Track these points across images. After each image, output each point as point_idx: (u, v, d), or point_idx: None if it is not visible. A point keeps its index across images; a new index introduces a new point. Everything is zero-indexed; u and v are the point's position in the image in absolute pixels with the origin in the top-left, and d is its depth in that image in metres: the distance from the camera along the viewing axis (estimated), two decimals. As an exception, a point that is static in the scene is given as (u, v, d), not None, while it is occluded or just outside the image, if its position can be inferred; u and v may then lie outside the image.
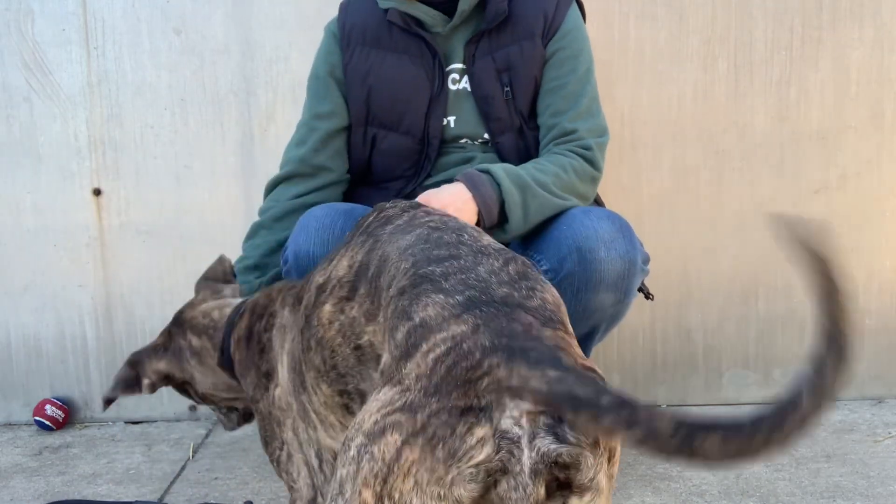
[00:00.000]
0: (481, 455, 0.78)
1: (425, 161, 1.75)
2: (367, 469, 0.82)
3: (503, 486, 0.79)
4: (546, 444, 0.78)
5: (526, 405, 0.78)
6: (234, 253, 2.33)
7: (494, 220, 1.57)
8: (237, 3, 2.25)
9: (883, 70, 2.27)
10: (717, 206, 2.31)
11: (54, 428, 2.32)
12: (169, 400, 2.39)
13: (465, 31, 1.73)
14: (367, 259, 1.06)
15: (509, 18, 1.71)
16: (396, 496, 0.80)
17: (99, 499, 1.87)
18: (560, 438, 0.79)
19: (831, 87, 2.27)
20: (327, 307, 1.11)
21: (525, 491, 0.79)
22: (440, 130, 1.74)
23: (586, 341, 1.73)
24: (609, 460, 0.84)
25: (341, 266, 1.11)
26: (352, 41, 1.76)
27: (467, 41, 1.71)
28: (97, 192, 2.32)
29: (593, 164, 1.71)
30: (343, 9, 1.82)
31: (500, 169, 1.58)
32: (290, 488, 1.32)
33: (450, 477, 0.78)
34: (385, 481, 0.80)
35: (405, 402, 0.82)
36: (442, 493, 0.79)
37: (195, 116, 2.29)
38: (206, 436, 2.26)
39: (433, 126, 1.73)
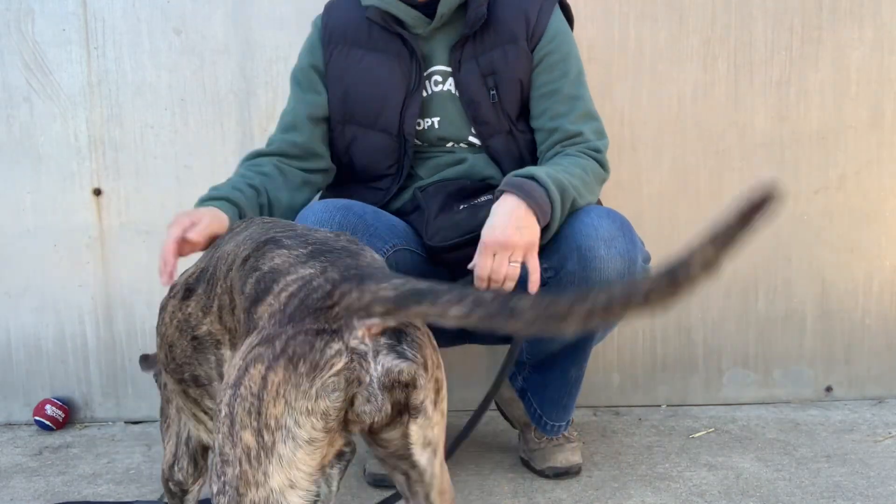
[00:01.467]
0: (339, 363, 0.86)
1: (405, 158, 1.77)
2: (240, 412, 0.87)
3: (359, 399, 0.88)
4: (389, 360, 0.89)
5: (373, 322, 0.87)
6: (234, 253, 2.34)
7: (545, 225, 1.56)
8: (237, 3, 2.25)
9: (883, 70, 2.27)
10: (717, 206, 2.31)
11: (54, 428, 2.32)
12: (169, 400, 2.39)
13: (447, 34, 1.74)
14: (207, 265, 1.19)
15: (491, 23, 1.72)
16: (272, 423, 0.85)
17: (99, 499, 1.87)
18: (400, 355, 0.89)
19: (831, 87, 2.28)
20: (169, 308, 1.26)
21: (377, 402, 0.89)
22: (414, 128, 1.75)
23: (586, 341, 1.73)
24: (437, 391, 0.95)
25: (186, 273, 1.25)
26: (333, 39, 1.79)
27: (452, 46, 1.73)
28: (97, 192, 2.32)
29: (604, 167, 1.73)
30: (327, 8, 1.85)
31: (545, 174, 1.56)
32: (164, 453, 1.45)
33: (314, 389, 0.85)
34: (259, 413, 0.86)
35: (262, 337, 0.89)
36: (310, 407, 0.85)
37: (195, 116, 2.29)
38: (206, 436, 2.26)
39: (408, 123, 1.74)
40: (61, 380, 2.39)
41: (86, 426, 2.37)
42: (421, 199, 1.75)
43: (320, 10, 1.87)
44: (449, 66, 1.75)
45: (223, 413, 0.89)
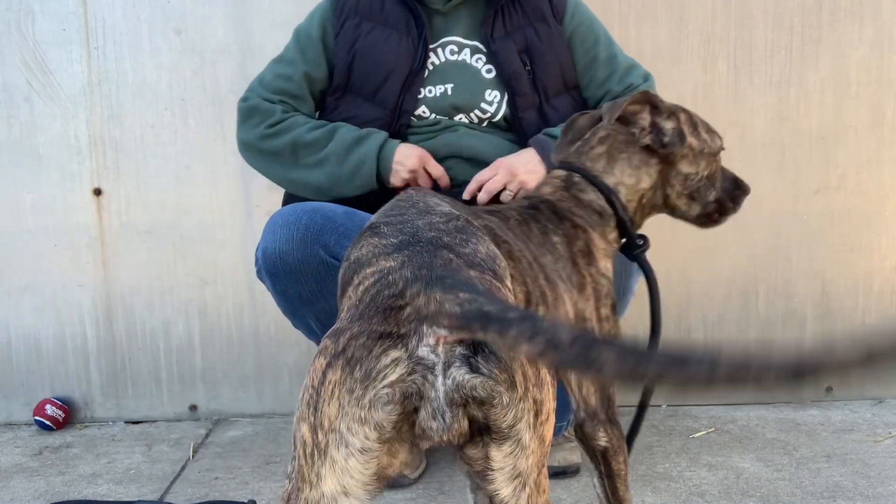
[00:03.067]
0: (394, 375, 0.79)
1: (398, 130, 1.79)
2: (303, 402, 0.84)
3: (421, 413, 0.80)
4: (461, 373, 0.80)
5: (442, 332, 0.80)
6: (232, 253, 2.34)
7: None
8: (237, 3, 2.25)
9: (883, 70, 2.27)
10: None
11: (54, 428, 2.32)
12: (169, 400, 2.39)
13: (470, 10, 1.80)
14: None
15: (517, 2, 1.80)
16: (326, 424, 0.81)
17: (99, 499, 1.87)
18: (473, 369, 0.80)
19: (831, 87, 2.28)
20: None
21: (444, 420, 0.81)
22: (415, 105, 1.78)
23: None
24: (536, 414, 0.85)
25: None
26: (346, 11, 1.81)
27: (480, 23, 1.79)
28: (97, 192, 2.32)
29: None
30: None
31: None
32: None
33: (367, 398, 0.80)
34: (316, 409, 0.82)
35: (334, 329, 0.86)
36: (363, 416, 0.80)
37: (195, 116, 2.29)
38: (206, 436, 2.26)
39: (407, 101, 1.77)
40: (61, 380, 2.39)
41: (86, 426, 2.37)
42: None
43: (320, 10, 1.87)
44: (470, 39, 1.80)
45: (303, 397, 0.86)
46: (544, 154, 1.70)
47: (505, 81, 1.78)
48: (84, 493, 1.90)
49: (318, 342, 1.86)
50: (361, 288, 0.89)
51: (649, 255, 1.76)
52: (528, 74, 1.78)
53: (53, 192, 2.32)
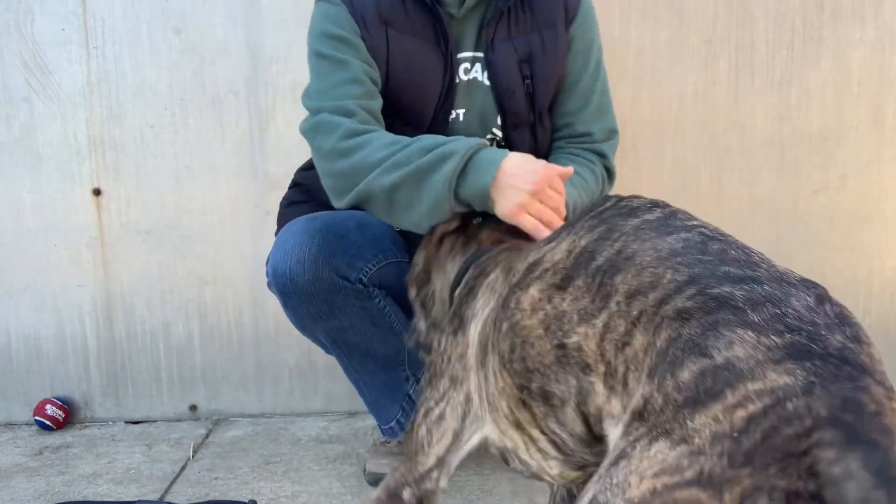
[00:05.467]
0: None
1: None
2: None
3: None
4: None
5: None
6: (232, 253, 2.34)
7: None
8: (237, 2, 2.25)
9: (884, 70, 2.27)
10: (718, 206, 2.30)
11: (54, 428, 2.32)
12: (169, 400, 2.39)
13: (476, 15, 1.60)
14: (594, 247, 0.89)
15: (527, 3, 1.61)
16: None
17: (99, 499, 1.87)
18: None
19: (832, 87, 2.27)
20: (533, 291, 0.94)
21: None
22: (447, 125, 1.62)
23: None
24: None
25: (559, 249, 0.93)
26: (366, 17, 1.56)
27: (483, 25, 1.59)
28: (97, 192, 2.31)
29: (612, 174, 1.71)
30: None
31: (575, 195, 1.51)
32: (416, 445, 1.14)
33: None
34: None
35: (700, 470, 0.65)
36: None
37: (195, 116, 2.29)
38: (206, 436, 2.26)
39: (440, 120, 1.60)
40: (61, 380, 2.39)
41: (86, 426, 2.37)
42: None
43: (320, 9, 1.85)
44: (478, 49, 1.60)
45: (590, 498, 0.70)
46: None
47: (498, 96, 1.60)
48: (84, 493, 1.90)
49: (327, 351, 1.84)
50: (742, 414, 0.65)
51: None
52: (527, 89, 1.60)
53: (53, 192, 2.32)
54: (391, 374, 1.80)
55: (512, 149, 1.59)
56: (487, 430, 1.08)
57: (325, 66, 1.54)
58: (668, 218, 0.90)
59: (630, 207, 0.93)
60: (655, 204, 0.95)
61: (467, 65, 1.62)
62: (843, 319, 0.73)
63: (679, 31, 2.25)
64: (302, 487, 1.89)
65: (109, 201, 2.32)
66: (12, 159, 2.31)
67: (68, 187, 2.31)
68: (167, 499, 1.86)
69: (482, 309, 1.12)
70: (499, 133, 1.67)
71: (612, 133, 1.72)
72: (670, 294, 0.77)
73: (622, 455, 0.71)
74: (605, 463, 0.75)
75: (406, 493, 1.12)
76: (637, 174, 2.28)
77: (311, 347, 2.36)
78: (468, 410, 1.09)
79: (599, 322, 0.83)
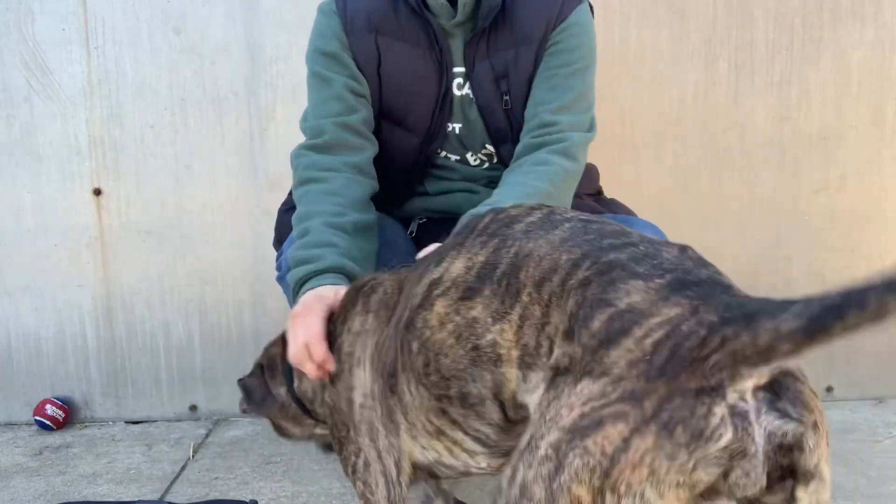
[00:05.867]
0: (728, 435, 0.73)
1: (425, 162, 1.68)
2: (578, 464, 0.77)
3: (736, 472, 0.75)
4: (772, 421, 0.75)
5: (762, 369, 0.74)
6: (232, 253, 2.34)
7: None
8: (237, 3, 2.25)
9: (884, 70, 2.27)
10: (718, 206, 2.31)
11: (54, 428, 2.32)
12: (169, 400, 2.39)
13: (465, 31, 1.61)
14: (494, 259, 0.99)
15: (507, 20, 1.60)
16: (622, 488, 0.75)
17: (99, 499, 1.87)
18: (783, 414, 0.75)
19: (832, 87, 2.27)
20: (438, 308, 1.03)
21: (756, 473, 0.75)
22: (445, 137, 1.65)
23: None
24: (828, 447, 0.81)
25: (456, 267, 1.03)
26: (356, 27, 1.60)
27: (467, 42, 1.61)
28: (97, 192, 2.32)
29: (572, 158, 1.58)
30: None
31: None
32: (366, 499, 1.27)
33: (692, 462, 0.74)
34: (607, 474, 0.75)
35: (624, 390, 0.77)
36: (681, 480, 0.74)
37: (195, 116, 2.29)
38: (206, 436, 2.26)
39: (438, 131, 1.63)
40: (61, 380, 2.39)
41: (86, 426, 2.37)
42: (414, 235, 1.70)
43: (321, 9, 1.85)
44: (466, 66, 1.62)
45: (543, 452, 0.79)
46: None
47: (481, 112, 1.61)
48: (84, 493, 1.90)
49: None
50: (649, 341, 0.78)
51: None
52: (505, 105, 1.60)
53: (53, 192, 2.32)
54: None
55: (503, 163, 1.62)
56: (407, 448, 1.17)
57: (315, 84, 1.63)
58: (549, 216, 1.01)
59: (511, 216, 1.04)
60: (531, 208, 1.06)
61: (460, 80, 1.64)
62: (703, 261, 0.89)
63: (679, 31, 2.25)
64: (302, 487, 1.89)
65: (109, 201, 2.32)
66: (12, 159, 2.31)
67: (68, 187, 2.32)
68: (167, 499, 1.86)
69: (363, 352, 1.22)
70: (491, 148, 1.67)
71: (584, 128, 1.63)
72: (569, 271, 0.90)
73: (551, 400, 0.83)
74: (535, 415, 0.86)
75: None
76: (637, 174, 2.28)
77: (311, 347, 2.36)
78: (380, 446, 1.20)
79: (515, 315, 0.94)
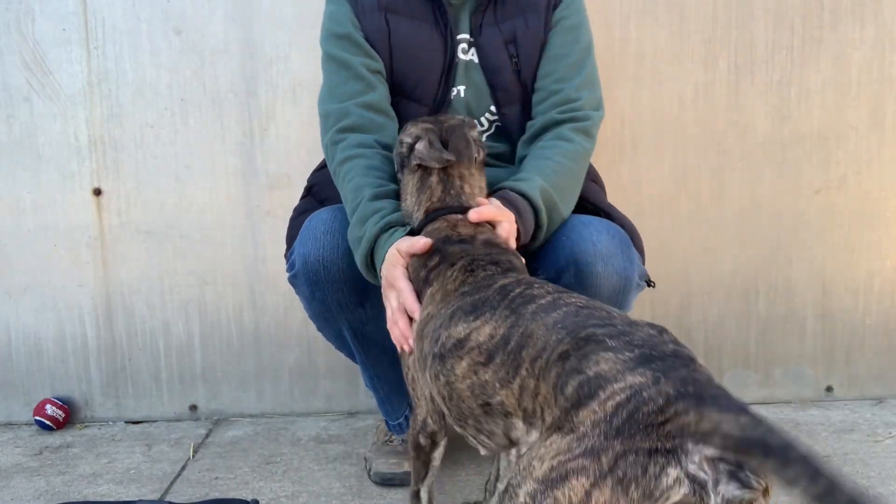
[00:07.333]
0: (678, 495, 0.80)
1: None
2: None
3: None
4: (731, 490, 0.80)
5: (709, 451, 0.80)
6: (232, 253, 2.34)
7: (527, 242, 1.54)
8: (237, 3, 2.25)
9: (884, 70, 2.27)
10: (718, 206, 2.31)
11: (54, 428, 2.32)
12: (169, 400, 2.40)
13: (470, 4, 1.72)
14: (508, 333, 1.13)
15: None
16: None
17: (99, 499, 1.87)
18: (744, 484, 0.81)
19: (832, 87, 2.27)
20: (464, 364, 1.17)
21: None
22: (449, 103, 1.72)
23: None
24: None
25: (483, 333, 1.16)
26: (366, 8, 1.71)
27: (473, 11, 1.71)
28: (97, 192, 2.32)
29: (591, 138, 1.71)
30: None
31: (538, 193, 1.53)
32: (414, 403, 1.47)
33: None
34: None
35: (586, 447, 0.84)
36: None
37: (195, 116, 2.29)
38: (206, 436, 2.26)
39: (443, 94, 1.71)
40: (61, 380, 2.39)
41: (86, 426, 2.37)
42: None
43: (321, 10, 1.85)
44: (471, 34, 1.72)
45: (521, 499, 0.88)
46: (520, 217, 1.52)
47: (487, 74, 1.72)
48: (84, 493, 1.90)
49: (347, 353, 1.86)
50: (611, 403, 0.86)
51: (650, 257, 1.77)
52: (514, 67, 1.70)
53: (53, 192, 2.32)
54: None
55: (505, 125, 1.73)
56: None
57: (333, 67, 1.72)
58: (556, 300, 1.14)
59: (531, 296, 1.18)
60: (548, 291, 1.19)
61: (464, 45, 1.74)
62: (676, 341, 0.97)
63: (679, 31, 2.25)
64: (302, 487, 1.89)
65: (109, 201, 2.32)
66: (12, 159, 2.31)
67: (68, 187, 2.32)
68: (167, 499, 1.86)
69: (425, 307, 1.36)
70: (495, 112, 1.74)
71: (599, 104, 1.75)
72: (554, 348, 1.01)
73: (526, 452, 0.96)
74: (513, 460, 1.00)
75: (421, 439, 1.45)
76: (637, 174, 2.29)
77: (311, 347, 2.36)
78: (419, 377, 1.36)
79: (515, 386, 1.07)
